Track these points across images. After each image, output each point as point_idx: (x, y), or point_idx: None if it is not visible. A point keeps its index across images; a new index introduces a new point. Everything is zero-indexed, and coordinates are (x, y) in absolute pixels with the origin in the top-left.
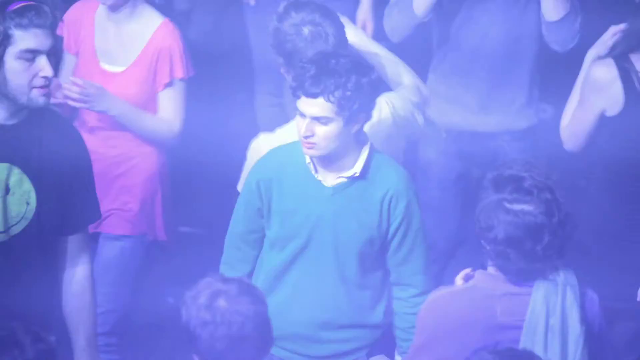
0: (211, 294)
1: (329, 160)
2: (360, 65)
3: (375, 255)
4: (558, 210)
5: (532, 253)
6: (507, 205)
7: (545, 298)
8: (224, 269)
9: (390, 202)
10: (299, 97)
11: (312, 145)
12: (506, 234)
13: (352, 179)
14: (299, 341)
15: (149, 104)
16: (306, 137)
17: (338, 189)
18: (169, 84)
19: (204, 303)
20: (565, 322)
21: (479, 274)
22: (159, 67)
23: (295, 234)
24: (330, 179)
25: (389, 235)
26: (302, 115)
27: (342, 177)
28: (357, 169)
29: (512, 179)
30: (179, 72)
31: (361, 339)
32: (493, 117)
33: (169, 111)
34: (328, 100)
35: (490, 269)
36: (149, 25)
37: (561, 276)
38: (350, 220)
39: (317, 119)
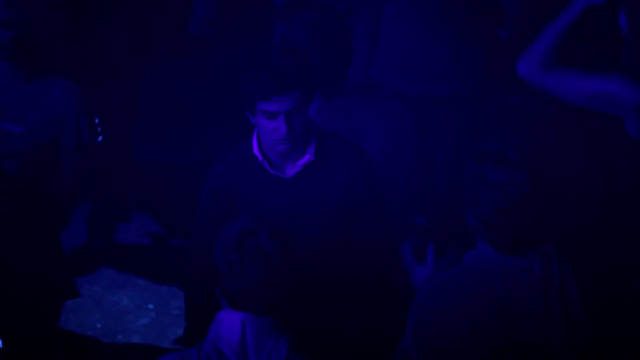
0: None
1: (287, 152)
2: (296, 49)
3: (341, 236)
4: (542, 179)
5: (521, 224)
6: (492, 178)
7: (543, 270)
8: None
9: (351, 182)
10: (266, 100)
11: (288, 141)
12: (494, 206)
13: (308, 165)
14: None
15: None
16: (287, 134)
17: (297, 178)
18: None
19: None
20: (564, 293)
21: (470, 254)
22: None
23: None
24: (287, 170)
25: (353, 215)
26: (273, 115)
27: (298, 165)
28: (310, 154)
29: (494, 151)
30: (84, 137)
31: None
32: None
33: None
34: (300, 89)
35: (481, 247)
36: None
37: (552, 247)
38: (313, 206)
39: (292, 111)
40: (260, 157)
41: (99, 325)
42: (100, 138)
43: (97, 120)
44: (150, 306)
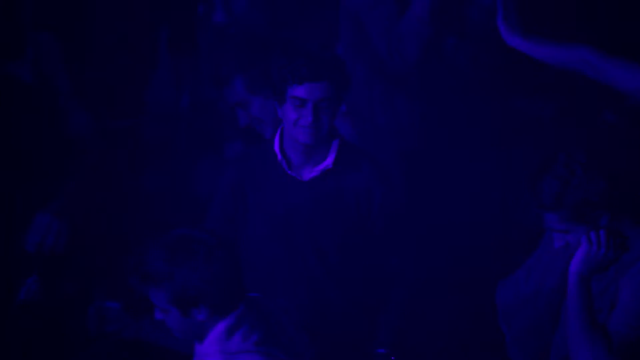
0: None
1: (308, 152)
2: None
3: (354, 245)
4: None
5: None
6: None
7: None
8: None
9: (365, 193)
10: (298, 84)
11: (313, 131)
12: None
13: (326, 172)
14: None
15: None
16: (312, 123)
17: (313, 182)
18: None
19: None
20: None
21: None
22: None
23: (273, 232)
24: (304, 173)
25: (367, 225)
26: (301, 102)
27: (316, 170)
28: (329, 161)
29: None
30: None
31: None
32: None
33: None
34: (332, 81)
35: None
36: None
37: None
38: (324, 213)
39: (321, 101)
40: (279, 156)
41: None
42: None
43: None
44: None
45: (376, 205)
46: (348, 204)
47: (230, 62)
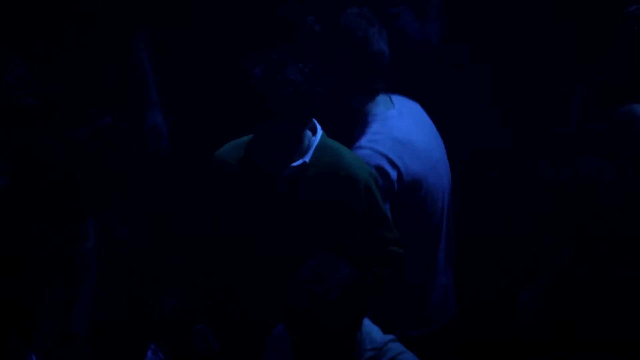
0: None
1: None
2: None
3: (335, 240)
4: None
5: None
6: None
7: None
8: None
9: (344, 188)
10: None
11: None
12: None
13: (303, 168)
14: None
15: None
16: None
17: (290, 178)
18: None
19: None
20: None
21: None
22: None
23: (250, 226)
24: (282, 169)
25: (349, 220)
26: None
27: (293, 166)
28: (306, 157)
29: None
30: None
31: None
32: None
33: None
34: None
35: None
36: None
37: None
38: (297, 210)
39: None
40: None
41: None
42: None
43: None
44: None
45: (357, 201)
46: (317, 204)
47: None
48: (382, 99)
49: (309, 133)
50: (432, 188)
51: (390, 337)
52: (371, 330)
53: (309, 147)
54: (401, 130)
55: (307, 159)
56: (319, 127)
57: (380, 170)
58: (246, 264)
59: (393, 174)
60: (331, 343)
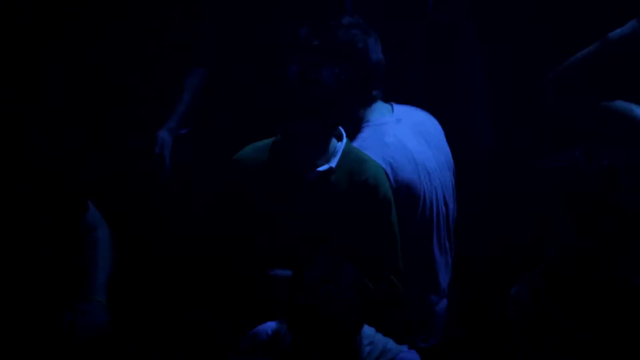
0: None
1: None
2: None
3: (353, 247)
4: None
5: None
6: None
7: None
8: None
9: (364, 195)
10: None
11: None
12: None
13: (328, 173)
14: None
15: None
16: None
17: (315, 182)
18: None
19: None
20: None
21: None
22: None
23: (274, 229)
24: (307, 172)
25: (363, 228)
26: None
27: (319, 170)
28: (332, 163)
29: None
30: None
31: None
32: None
33: None
34: None
35: None
36: None
37: None
38: (327, 212)
39: None
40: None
41: None
42: None
43: None
44: None
45: (373, 210)
46: (349, 206)
47: None
48: (380, 106)
49: (334, 139)
50: (423, 196)
51: (390, 339)
52: (371, 332)
53: (334, 152)
54: (394, 136)
55: (333, 164)
56: (344, 134)
57: None
58: (264, 264)
59: None
60: (335, 343)
